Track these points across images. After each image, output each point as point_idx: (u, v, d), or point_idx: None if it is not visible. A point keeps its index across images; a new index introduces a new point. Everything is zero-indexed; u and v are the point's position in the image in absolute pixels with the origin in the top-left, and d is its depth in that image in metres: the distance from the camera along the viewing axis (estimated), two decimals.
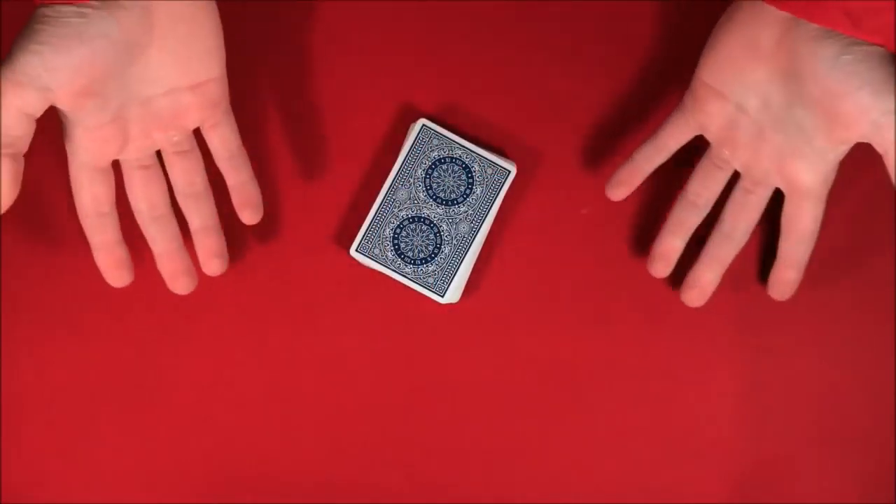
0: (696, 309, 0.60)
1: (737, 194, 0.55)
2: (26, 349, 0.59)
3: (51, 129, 0.60)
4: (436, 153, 0.58)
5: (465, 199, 0.58)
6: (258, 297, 0.60)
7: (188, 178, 0.55)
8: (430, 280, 0.58)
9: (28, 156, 0.60)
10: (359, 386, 0.60)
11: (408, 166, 0.58)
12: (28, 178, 0.60)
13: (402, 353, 0.60)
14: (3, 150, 0.48)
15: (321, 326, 0.60)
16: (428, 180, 0.58)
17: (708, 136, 0.55)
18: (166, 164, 0.55)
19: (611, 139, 0.61)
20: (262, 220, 0.60)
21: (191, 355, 0.60)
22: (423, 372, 0.60)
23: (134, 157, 0.53)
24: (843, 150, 0.52)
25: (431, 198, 0.58)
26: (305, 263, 0.60)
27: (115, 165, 0.54)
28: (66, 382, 0.59)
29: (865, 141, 0.50)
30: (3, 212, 0.50)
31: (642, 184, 0.58)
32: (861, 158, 0.61)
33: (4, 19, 0.61)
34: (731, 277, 0.60)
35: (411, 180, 0.58)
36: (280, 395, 0.60)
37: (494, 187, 0.58)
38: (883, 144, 0.49)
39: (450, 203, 0.58)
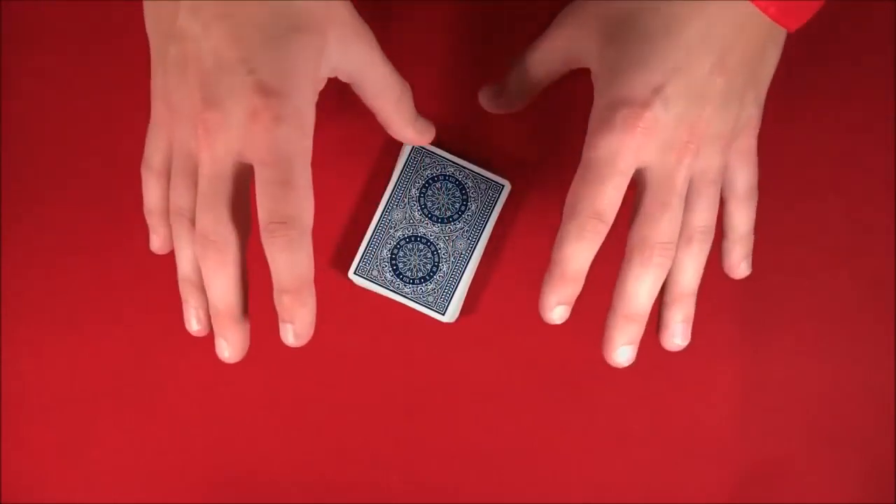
0: (697, 309, 0.60)
1: None
2: (26, 349, 0.59)
3: (53, 128, 0.60)
4: (428, 171, 0.58)
5: (460, 215, 0.58)
6: (259, 320, 0.60)
7: None
8: (430, 299, 0.58)
9: (28, 156, 0.60)
10: (359, 396, 0.60)
11: (401, 186, 0.58)
12: (28, 178, 0.60)
13: (403, 366, 0.60)
14: None
15: (321, 343, 0.60)
16: (422, 199, 0.58)
17: None
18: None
19: None
20: (261, 245, 0.59)
21: (191, 356, 0.59)
22: (423, 385, 0.60)
23: None
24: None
25: (427, 216, 0.58)
26: None
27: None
28: (66, 382, 0.59)
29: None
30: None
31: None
32: (860, 158, 0.61)
33: (4, 19, 0.61)
34: (731, 278, 0.60)
35: (406, 200, 0.58)
36: (280, 401, 0.60)
37: (489, 203, 0.58)
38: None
39: (445, 221, 0.58)
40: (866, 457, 0.60)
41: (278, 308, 0.41)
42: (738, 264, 0.48)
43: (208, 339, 0.60)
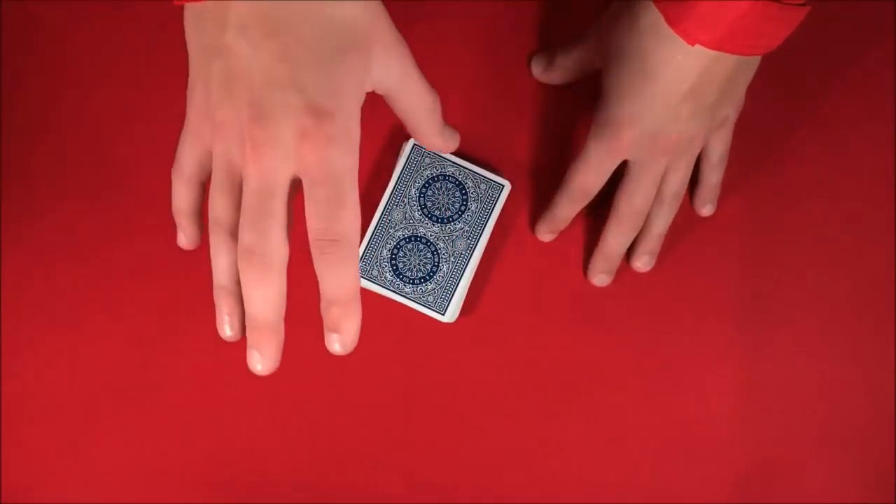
0: (696, 309, 0.60)
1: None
2: (26, 349, 0.59)
3: (53, 128, 0.60)
4: (428, 171, 0.58)
5: (460, 215, 0.58)
6: None
7: None
8: (430, 299, 0.58)
9: (28, 156, 0.60)
10: (359, 396, 0.60)
11: (401, 186, 0.58)
12: (28, 178, 0.60)
13: (403, 366, 0.60)
14: None
15: (321, 343, 0.59)
16: (422, 199, 0.58)
17: None
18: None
19: None
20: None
21: (191, 356, 0.59)
22: (423, 385, 0.60)
23: None
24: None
25: (427, 216, 0.58)
26: (304, 290, 0.60)
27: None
28: (66, 382, 0.59)
29: None
30: None
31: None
32: (860, 158, 0.61)
33: (4, 19, 0.61)
34: (731, 278, 0.60)
35: (406, 200, 0.58)
36: (280, 401, 0.60)
37: (489, 203, 0.58)
38: None
39: (445, 221, 0.58)
40: (866, 457, 0.60)
41: (325, 319, 0.42)
42: (705, 205, 0.60)
43: (207, 341, 0.60)
